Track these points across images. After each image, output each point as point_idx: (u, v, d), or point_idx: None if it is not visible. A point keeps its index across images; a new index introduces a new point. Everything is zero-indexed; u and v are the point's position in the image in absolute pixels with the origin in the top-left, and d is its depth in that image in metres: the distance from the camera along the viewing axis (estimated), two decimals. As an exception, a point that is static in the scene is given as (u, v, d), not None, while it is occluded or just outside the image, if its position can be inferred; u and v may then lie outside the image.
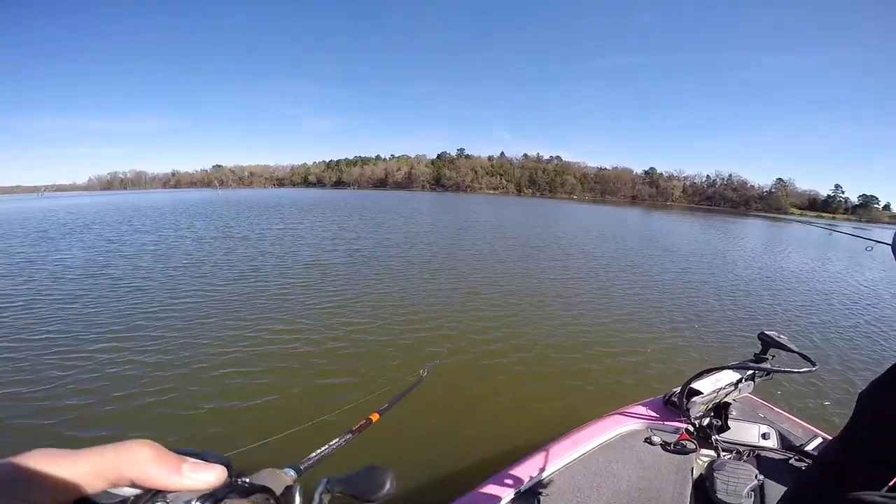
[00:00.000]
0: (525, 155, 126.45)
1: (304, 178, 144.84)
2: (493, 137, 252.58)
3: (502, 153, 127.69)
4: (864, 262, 14.66)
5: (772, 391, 3.88)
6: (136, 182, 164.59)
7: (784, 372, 2.09)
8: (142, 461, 0.26)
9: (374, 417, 1.02)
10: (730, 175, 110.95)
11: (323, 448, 0.68)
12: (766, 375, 2.22)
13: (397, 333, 5.31)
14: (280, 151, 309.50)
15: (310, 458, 0.60)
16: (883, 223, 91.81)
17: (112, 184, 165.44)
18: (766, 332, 2.14)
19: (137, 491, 0.27)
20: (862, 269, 13.30)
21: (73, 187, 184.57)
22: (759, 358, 2.18)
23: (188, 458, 0.29)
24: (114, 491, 0.26)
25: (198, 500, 0.28)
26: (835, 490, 0.98)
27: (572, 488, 1.74)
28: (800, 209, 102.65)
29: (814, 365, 1.97)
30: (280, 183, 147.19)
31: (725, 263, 12.34)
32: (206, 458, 0.31)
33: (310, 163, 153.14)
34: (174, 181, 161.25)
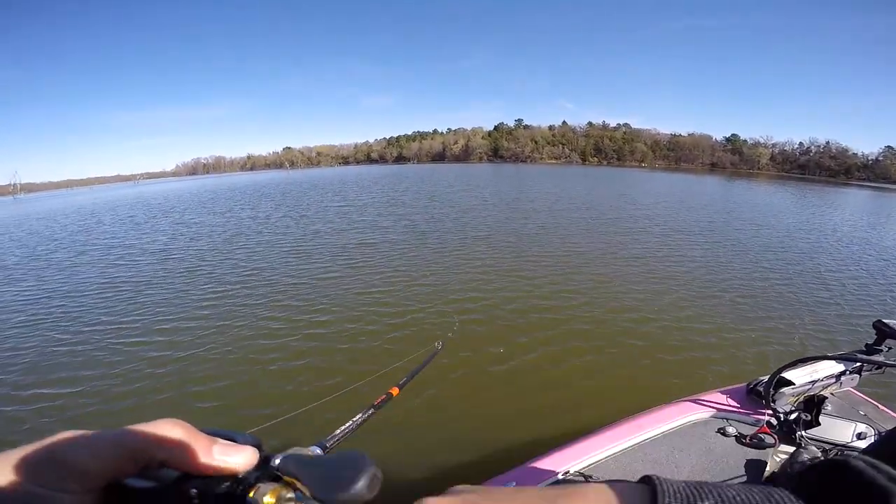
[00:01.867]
0: (590, 123, 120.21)
1: (367, 156, 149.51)
2: (555, 107, 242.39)
3: (564, 122, 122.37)
4: None
5: (883, 389, 3.44)
6: (217, 166, 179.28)
7: None
8: (173, 441, 0.26)
9: (395, 392, 1.03)
10: (827, 142, 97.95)
11: (347, 424, 0.67)
12: (878, 369, 1.98)
13: (419, 306, 5.67)
14: (344, 131, 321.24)
15: (335, 435, 0.59)
16: None
17: (196, 169, 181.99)
18: (885, 321, 1.90)
19: (171, 475, 0.26)
20: None
21: (163, 174, 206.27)
22: (871, 349, 1.92)
23: (219, 439, 0.28)
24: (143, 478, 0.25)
25: (228, 485, 0.27)
26: None
27: (625, 474, 1.63)
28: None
29: None
30: (345, 161, 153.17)
31: (829, 241, 11.05)
32: (237, 438, 0.30)
33: (371, 140, 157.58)
34: (250, 164, 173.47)
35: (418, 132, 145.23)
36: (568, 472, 1.61)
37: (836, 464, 0.21)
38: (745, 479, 1.62)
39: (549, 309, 5.58)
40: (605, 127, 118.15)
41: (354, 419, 0.70)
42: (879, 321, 1.92)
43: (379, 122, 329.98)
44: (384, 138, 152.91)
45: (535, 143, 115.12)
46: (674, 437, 1.82)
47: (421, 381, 2.18)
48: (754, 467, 1.67)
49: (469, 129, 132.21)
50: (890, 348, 1.90)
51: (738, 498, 0.24)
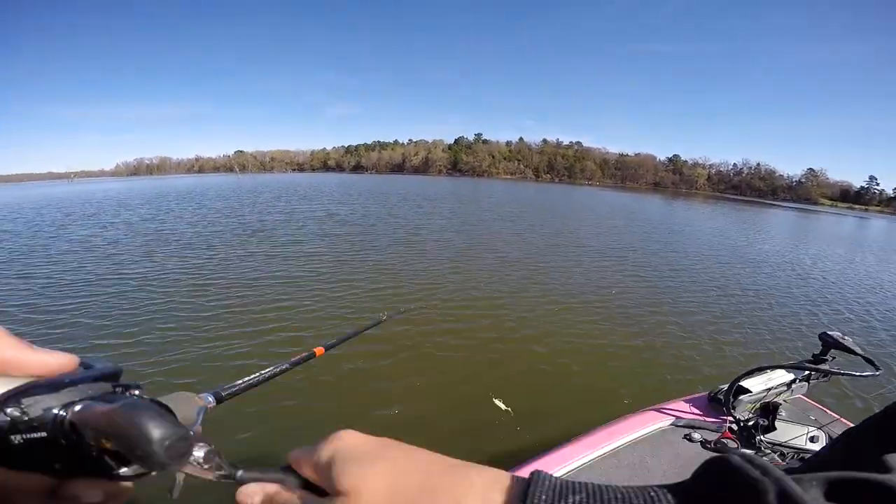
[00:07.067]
0: (544, 140, 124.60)
1: (323, 163, 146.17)
2: (514, 125, 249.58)
3: (521, 138, 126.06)
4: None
5: (829, 395, 3.77)
6: (162, 167, 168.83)
7: (844, 374, 1.95)
8: None
9: (319, 351, 0.93)
10: (758, 164, 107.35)
11: (252, 376, 0.58)
12: (824, 377, 2.14)
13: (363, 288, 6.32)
14: (302, 137, 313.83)
15: (235, 385, 0.53)
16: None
17: (138, 169, 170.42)
18: (829, 333, 2.07)
19: None
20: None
21: (102, 173, 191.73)
22: (817, 359, 2.09)
23: (35, 346, 0.28)
24: None
25: (61, 408, 0.24)
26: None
27: (602, 481, 1.73)
28: (831, 200, 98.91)
29: (878, 369, 1.89)
30: (300, 168, 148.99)
31: (770, 262, 11.70)
32: (94, 364, 0.28)
33: (329, 148, 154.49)
34: (198, 166, 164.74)
35: (378, 142, 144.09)
36: None
37: (714, 460, 0.22)
38: None
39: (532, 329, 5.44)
40: (558, 144, 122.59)
41: (262, 372, 0.61)
42: (824, 333, 2.08)
43: (339, 130, 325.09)
44: (342, 146, 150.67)
45: (493, 157, 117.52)
46: (644, 444, 1.93)
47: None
48: None
49: (430, 140, 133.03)
50: (834, 357, 2.06)
51: (608, 495, 0.22)
